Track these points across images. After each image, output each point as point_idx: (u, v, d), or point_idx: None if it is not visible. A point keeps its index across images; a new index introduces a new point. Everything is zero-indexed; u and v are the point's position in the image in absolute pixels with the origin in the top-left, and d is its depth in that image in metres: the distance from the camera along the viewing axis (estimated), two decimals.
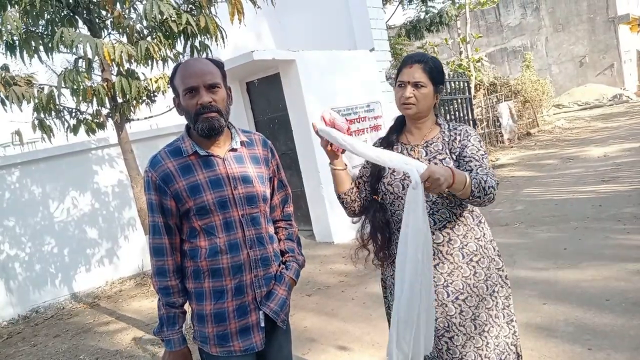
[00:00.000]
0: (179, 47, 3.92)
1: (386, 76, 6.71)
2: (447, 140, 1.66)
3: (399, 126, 1.77)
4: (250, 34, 7.06)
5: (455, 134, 1.66)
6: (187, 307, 1.64)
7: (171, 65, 3.94)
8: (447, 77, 8.78)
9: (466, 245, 1.64)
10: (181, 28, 3.50)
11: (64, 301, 5.51)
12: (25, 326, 4.98)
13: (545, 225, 4.92)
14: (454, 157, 1.63)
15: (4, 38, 3.37)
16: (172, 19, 3.41)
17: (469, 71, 11.19)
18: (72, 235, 5.71)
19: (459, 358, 1.59)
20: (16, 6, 3.33)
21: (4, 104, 3.48)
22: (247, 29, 5.29)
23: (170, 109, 4.24)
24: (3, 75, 3.38)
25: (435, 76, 1.65)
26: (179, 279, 1.59)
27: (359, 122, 6.31)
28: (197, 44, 3.83)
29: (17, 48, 3.52)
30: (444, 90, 8.40)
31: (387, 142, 1.75)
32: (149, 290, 5.33)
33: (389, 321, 1.85)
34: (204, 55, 3.89)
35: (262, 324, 1.60)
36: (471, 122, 9.56)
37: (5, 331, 4.88)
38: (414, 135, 1.72)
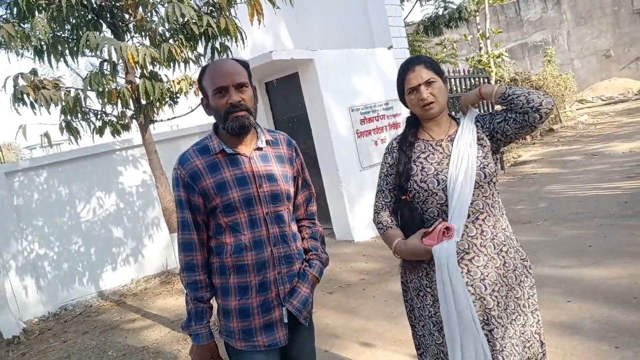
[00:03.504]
0: (200, 49, 3.98)
1: None
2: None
3: (414, 125, 1.78)
4: (268, 34, 7.12)
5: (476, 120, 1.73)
6: (213, 302, 1.68)
7: (192, 67, 4.01)
8: (466, 73, 8.68)
9: (496, 235, 1.64)
10: (202, 30, 3.56)
11: (91, 299, 5.66)
12: (55, 323, 5.12)
13: (569, 222, 4.85)
14: (486, 139, 1.67)
15: (33, 43, 3.48)
16: (193, 21, 3.47)
17: (489, 67, 11.05)
18: (98, 235, 5.85)
19: (500, 350, 1.57)
20: (44, 12, 3.43)
21: (33, 107, 3.59)
22: (265, 30, 5.35)
23: (193, 110, 4.32)
24: (32, 79, 3.49)
25: (437, 69, 1.70)
26: (206, 274, 1.63)
27: (378, 120, 6.30)
28: (217, 45, 3.88)
29: (45, 52, 3.62)
30: (465, 88, 8.31)
31: (406, 142, 1.74)
32: (174, 288, 5.43)
33: (411, 325, 1.85)
34: (224, 56, 3.95)
35: (285, 320, 1.62)
36: None
37: (37, 328, 5.03)
38: (435, 132, 1.72)
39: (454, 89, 8.00)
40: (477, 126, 1.69)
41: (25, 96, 3.43)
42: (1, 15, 3.59)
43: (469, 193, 1.58)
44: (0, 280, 4.74)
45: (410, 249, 1.59)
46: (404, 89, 1.71)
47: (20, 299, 5.31)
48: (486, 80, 9.60)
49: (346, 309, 3.83)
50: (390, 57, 6.57)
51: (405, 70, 1.69)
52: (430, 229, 1.56)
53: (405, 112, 6.49)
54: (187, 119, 4.64)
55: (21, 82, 3.42)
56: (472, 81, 8.95)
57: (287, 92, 6.37)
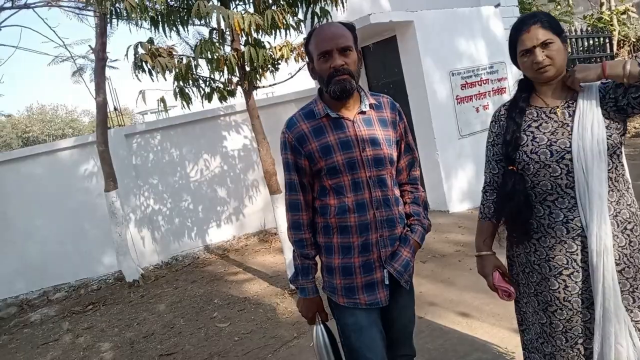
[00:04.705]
0: (300, 15, 4.01)
1: None
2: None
3: (526, 89, 1.63)
4: None
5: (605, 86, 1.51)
6: (317, 259, 1.75)
7: (293, 33, 4.07)
8: (583, 33, 7.82)
9: (619, 212, 1.50)
10: None
11: (198, 251, 6.19)
12: (168, 271, 5.70)
13: None
14: (607, 108, 1.48)
15: (150, 14, 3.74)
16: None
17: (612, 25, 9.84)
18: (204, 194, 6.33)
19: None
20: None
21: (151, 74, 3.89)
22: None
23: (292, 76, 4.42)
24: (150, 48, 3.77)
25: (556, 28, 1.52)
26: (311, 232, 1.70)
27: (481, 85, 5.95)
28: (317, 10, 3.89)
29: (160, 22, 3.88)
30: (582, 49, 7.51)
31: (516, 108, 1.61)
32: (271, 246, 5.74)
33: (515, 300, 1.77)
34: (324, 21, 3.95)
35: (387, 282, 1.65)
36: None
37: (152, 274, 5.64)
38: (550, 98, 1.58)
39: (570, 51, 7.27)
40: (599, 95, 1.51)
41: (144, 64, 3.73)
42: None
43: (600, 167, 1.44)
44: (123, 231, 5.35)
45: (480, 271, 1.76)
46: (516, 51, 1.57)
47: (138, 248, 5.96)
48: (607, 41, 8.60)
49: (440, 279, 3.78)
50: (498, 16, 6.11)
51: (518, 30, 1.54)
52: (504, 280, 1.69)
53: (512, 77, 6.06)
54: (282, 86, 4.77)
55: (140, 50, 3.71)
56: (591, 42, 8.06)
57: (383, 57, 6.23)
